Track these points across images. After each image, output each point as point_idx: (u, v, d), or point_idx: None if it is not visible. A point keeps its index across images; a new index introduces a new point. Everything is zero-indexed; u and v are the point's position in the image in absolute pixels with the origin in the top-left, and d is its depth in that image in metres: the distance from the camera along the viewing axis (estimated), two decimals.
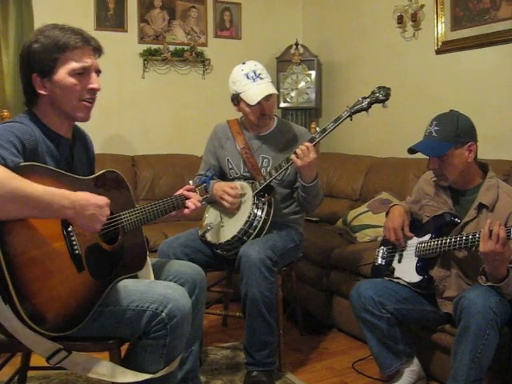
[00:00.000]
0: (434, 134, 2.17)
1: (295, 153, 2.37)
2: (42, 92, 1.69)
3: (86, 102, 1.73)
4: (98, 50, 1.77)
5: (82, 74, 1.70)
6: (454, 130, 2.15)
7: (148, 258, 1.94)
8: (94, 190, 1.74)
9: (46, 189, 1.43)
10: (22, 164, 1.49)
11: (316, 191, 2.52)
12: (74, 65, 1.68)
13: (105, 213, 1.60)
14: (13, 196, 1.35)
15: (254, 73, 2.53)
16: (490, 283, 2.04)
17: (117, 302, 1.69)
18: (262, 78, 2.54)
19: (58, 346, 1.58)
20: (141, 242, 1.93)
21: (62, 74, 1.67)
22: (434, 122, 2.19)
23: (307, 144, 2.36)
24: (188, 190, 2.14)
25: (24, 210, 1.40)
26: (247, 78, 2.53)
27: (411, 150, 2.24)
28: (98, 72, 1.77)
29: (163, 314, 1.67)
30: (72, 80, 1.68)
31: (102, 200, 1.60)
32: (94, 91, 1.74)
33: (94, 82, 1.73)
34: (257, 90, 2.51)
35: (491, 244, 1.93)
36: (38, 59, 1.66)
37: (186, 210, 2.10)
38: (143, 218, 1.89)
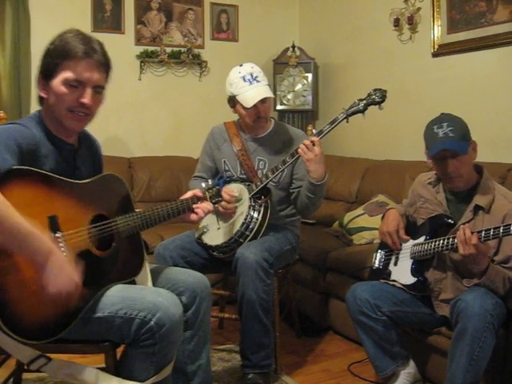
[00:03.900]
0: (450, 134, 2.12)
1: (301, 146, 2.36)
2: (42, 95, 1.69)
3: (75, 114, 1.69)
4: (103, 65, 1.72)
5: (76, 86, 1.66)
6: (465, 129, 2.16)
7: (147, 263, 1.90)
8: (89, 194, 1.71)
9: (27, 226, 1.37)
10: (15, 168, 1.48)
11: (322, 192, 2.49)
12: (67, 74, 1.65)
13: (71, 286, 1.48)
14: None
15: (251, 75, 2.54)
16: (473, 282, 2.07)
17: (105, 309, 1.66)
18: (258, 81, 2.54)
19: (38, 352, 1.57)
20: (138, 247, 1.88)
21: (57, 81, 1.65)
22: (445, 124, 2.15)
23: (313, 138, 2.37)
24: (197, 195, 2.06)
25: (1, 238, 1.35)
26: (244, 80, 2.53)
27: (434, 151, 2.15)
28: (98, 88, 1.71)
29: (152, 322, 1.63)
30: (63, 89, 1.65)
31: (75, 274, 1.49)
32: (85, 106, 1.68)
33: (86, 97, 1.67)
34: (253, 92, 2.52)
35: (468, 248, 1.97)
36: (46, 61, 1.67)
37: (194, 216, 2.03)
38: (142, 223, 1.84)
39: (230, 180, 2.66)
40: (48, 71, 1.66)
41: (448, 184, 2.26)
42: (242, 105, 2.56)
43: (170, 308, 1.68)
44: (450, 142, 2.12)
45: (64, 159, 1.73)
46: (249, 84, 2.53)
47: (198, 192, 2.08)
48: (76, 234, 1.61)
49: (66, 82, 1.65)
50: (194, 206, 2.03)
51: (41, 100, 1.74)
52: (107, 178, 1.83)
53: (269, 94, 2.55)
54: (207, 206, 2.06)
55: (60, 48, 1.65)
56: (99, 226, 1.70)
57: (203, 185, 2.16)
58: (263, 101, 2.54)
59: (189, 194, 2.07)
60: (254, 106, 2.52)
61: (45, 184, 1.57)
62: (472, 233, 1.98)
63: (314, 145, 2.35)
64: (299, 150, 2.38)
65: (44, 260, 1.42)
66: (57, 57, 1.65)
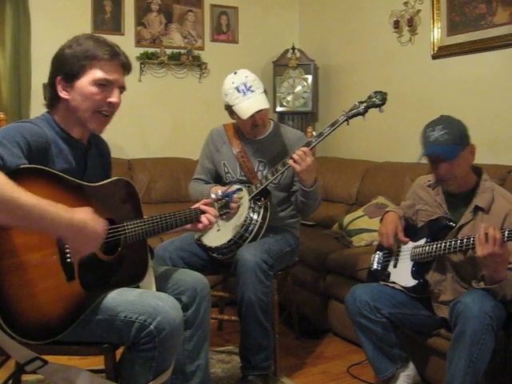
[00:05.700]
0: (440, 139, 2.13)
1: (292, 158, 2.37)
2: (63, 96, 1.69)
3: (101, 115, 1.72)
4: (126, 67, 1.77)
5: (105, 85, 1.69)
6: (460, 133, 2.16)
7: (151, 269, 1.89)
8: (100, 197, 1.71)
9: (41, 202, 1.36)
10: (23, 167, 1.47)
11: (316, 195, 2.51)
12: (97, 74, 1.67)
13: (100, 239, 1.55)
14: (1, 203, 1.29)
15: (245, 86, 2.50)
16: (483, 286, 2.05)
17: (106, 311, 1.66)
18: (252, 91, 2.50)
19: (34, 354, 1.56)
20: (143, 253, 1.87)
21: (85, 81, 1.67)
22: (438, 127, 2.15)
23: (304, 148, 2.36)
24: (201, 209, 2.05)
25: (12, 219, 1.34)
26: (238, 91, 2.50)
27: (425, 154, 2.19)
28: (122, 89, 1.76)
29: (151, 326, 1.62)
30: (93, 89, 1.67)
31: (100, 225, 1.53)
32: (112, 105, 1.72)
33: (115, 96, 1.71)
34: (248, 104, 2.49)
35: (489, 247, 1.93)
36: (67, 64, 1.67)
37: (200, 225, 2.03)
38: (149, 230, 1.83)
39: (229, 182, 2.66)
40: (72, 73, 1.67)
41: (443, 185, 2.27)
42: (237, 115, 2.55)
43: (170, 313, 1.67)
44: (438, 147, 2.13)
45: (75, 159, 1.73)
46: (243, 95, 2.49)
47: (205, 201, 2.09)
48: None
49: (95, 82, 1.68)
50: (202, 216, 2.04)
51: (52, 104, 1.74)
52: (119, 183, 1.82)
53: (263, 105, 2.52)
54: (213, 213, 2.06)
55: (83, 51, 1.67)
56: (108, 230, 1.67)
57: (213, 196, 2.15)
58: (259, 110, 2.53)
59: (198, 205, 2.07)
60: (250, 115, 2.51)
61: (55, 184, 1.56)
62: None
63: (305, 155, 2.35)
64: (290, 162, 2.37)
65: (65, 231, 1.44)
66: (82, 59, 1.66)
